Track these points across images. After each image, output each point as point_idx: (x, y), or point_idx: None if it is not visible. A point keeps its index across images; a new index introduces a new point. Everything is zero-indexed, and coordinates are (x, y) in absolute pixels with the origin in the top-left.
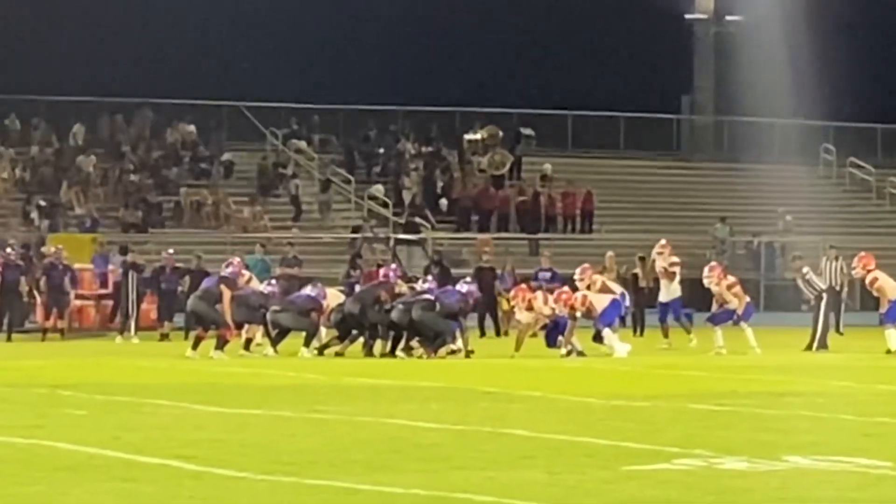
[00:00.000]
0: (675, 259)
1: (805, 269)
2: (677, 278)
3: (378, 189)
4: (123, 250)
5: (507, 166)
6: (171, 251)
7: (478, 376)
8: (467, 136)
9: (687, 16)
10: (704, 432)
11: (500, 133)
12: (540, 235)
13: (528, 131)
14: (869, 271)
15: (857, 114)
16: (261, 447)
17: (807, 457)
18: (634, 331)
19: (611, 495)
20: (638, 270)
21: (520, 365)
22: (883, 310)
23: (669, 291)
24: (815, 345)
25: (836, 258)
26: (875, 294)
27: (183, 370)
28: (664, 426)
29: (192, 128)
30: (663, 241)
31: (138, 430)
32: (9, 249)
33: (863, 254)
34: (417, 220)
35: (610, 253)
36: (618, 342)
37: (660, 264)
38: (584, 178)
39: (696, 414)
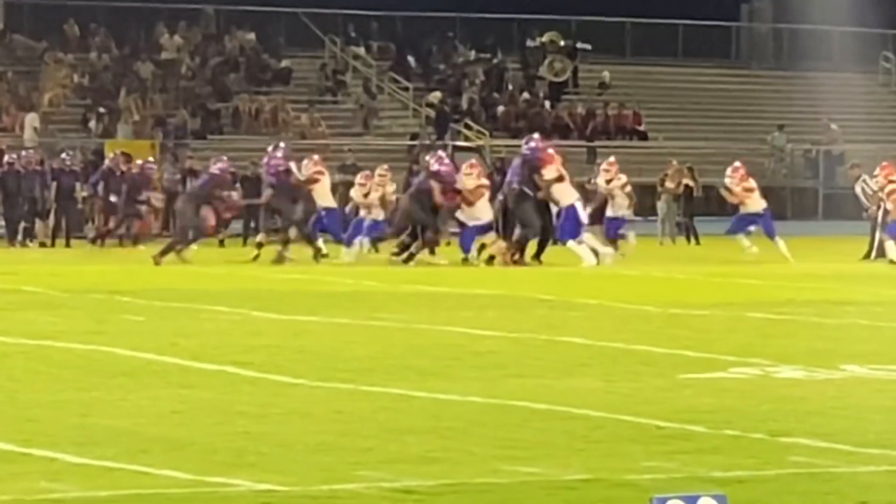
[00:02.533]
0: (750, 184)
1: (863, 177)
2: (756, 194)
3: (436, 96)
4: (175, 158)
5: (567, 74)
6: (224, 159)
7: (535, 284)
8: (529, 43)
9: None
10: (761, 341)
11: (562, 41)
12: (597, 143)
13: (584, 45)
14: (891, 181)
15: None
16: (317, 354)
17: (864, 366)
18: (688, 240)
19: (667, 403)
20: (689, 181)
21: (577, 273)
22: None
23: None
24: (874, 254)
25: (858, 178)
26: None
27: (240, 276)
28: (721, 335)
29: (251, 35)
30: (737, 165)
31: (195, 337)
32: (64, 155)
33: (885, 163)
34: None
35: (675, 162)
36: (585, 251)
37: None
38: (641, 86)
39: (753, 322)
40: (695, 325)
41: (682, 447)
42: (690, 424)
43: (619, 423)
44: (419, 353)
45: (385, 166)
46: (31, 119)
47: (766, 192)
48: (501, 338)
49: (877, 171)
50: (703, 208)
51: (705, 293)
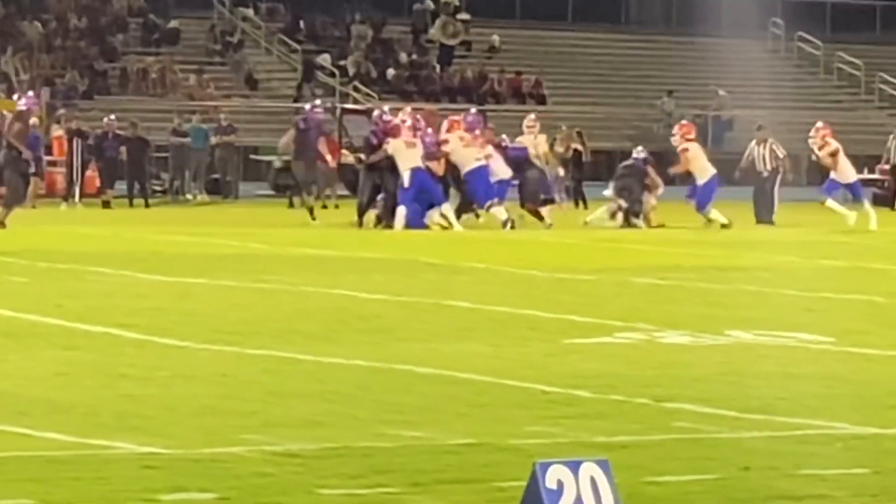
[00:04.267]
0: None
1: (770, 140)
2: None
3: (325, 59)
4: (58, 119)
5: (461, 37)
6: (112, 118)
7: (422, 248)
8: (418, 6)
9: None
10: (647, 306)
11: (457, 2)
12: (489, 107)
13: (464, 16)
14: (826, 143)
15: None
16: (203, 316)
17: (749, 331)
18: (576, 204)
19: (552, 368)
20: (578, 146)
21: (464, 237)
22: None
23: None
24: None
25: (765, 141)
26: (827, 164)
27: (126, 238)
28: (607, 300)
29: None
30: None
31: (80, 298)
32: None
33: (820, 125)
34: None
35: (564, 126)
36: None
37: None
38: (532, 49)
39: (640, 288)
40: (581, 289)
41: (566, 412)
42: (575, 389)
43: (504, 387)
44: (305, 316)
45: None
46: None
47: (657, 158)
48: (388, 301)
49: (812, 133)
50: (592, 173)
51: (593, 258)
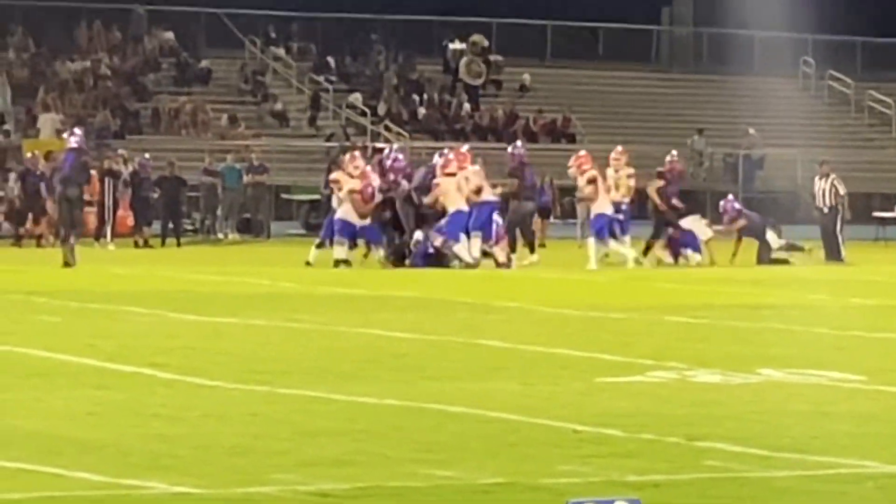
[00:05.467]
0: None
1: (832, 176)
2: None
3: (356, 98)
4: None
5: (483, 77)
6: (147, 156)
7: (454, 287)
8: (452, 46)
9: None
10: (679, 344)
11: (486, 42)
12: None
13: (496, 57)
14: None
15: (838, 26)
16: (234, 355)
17: (780, 370)
18: None
19: (584, 407)
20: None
21: (496, 275)
22: None
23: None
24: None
25: (828, 175)
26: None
27: (158, 277)
28: (639, 338)
29: (170, 34)
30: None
31: (112, 338)
32: None
33: (583, 153)
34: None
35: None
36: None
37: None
38: (562, 88)
39: (671, 326)
40: (613, 328)
41: (597, 451)
42: (607, 428)
43: (535, 426)
44: (336, 355)
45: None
46: None
47: (685, 196)
48: (419, 340)
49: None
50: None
51: (624, 296)
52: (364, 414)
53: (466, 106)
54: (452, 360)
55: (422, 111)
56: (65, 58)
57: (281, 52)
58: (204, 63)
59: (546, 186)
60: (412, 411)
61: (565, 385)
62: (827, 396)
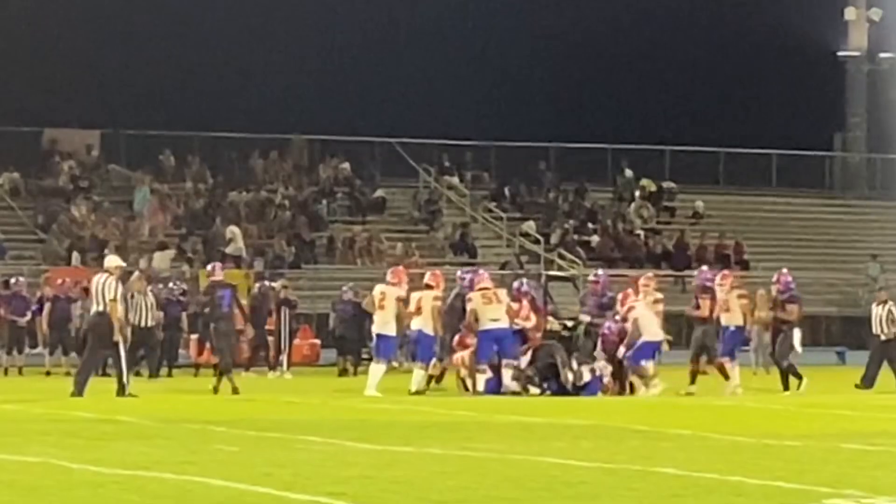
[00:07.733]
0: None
1: (891, 303)
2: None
3: (529, 225)
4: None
5: (653, 223)
6: (351, 285)
7: (628, 414)
8: (620, 179)
9: (839, 53)
10: (856, 472)
11: (654, 188)
12: (688, 273)
13: (670, 184)
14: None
15: None
16: (411, 484)
17: None
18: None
19: None
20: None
21: (670, 403)
22: None
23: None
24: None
25: (885, 302)
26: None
27: (334, 406)
28: (815, 466)
29: (345, 164)
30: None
31: (289, 467)
32: (172, 285)
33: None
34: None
35: (761, 291)
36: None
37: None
38: (735, 215)
39: (848, 453)
40: (788, 455)
41: None
42: None
43: None
44: (512, 483)
45: None
46: (163, 255)
47: (859, 323)
48: (594, 468)
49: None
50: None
51: (799, 424)
52: None
53: (640, 233)
54: (628, 489)
55: (595, 239)
56: (241, 189)
57: (455, 180)
58: (379, 192)
59: None
60: None
61: None
62: None
